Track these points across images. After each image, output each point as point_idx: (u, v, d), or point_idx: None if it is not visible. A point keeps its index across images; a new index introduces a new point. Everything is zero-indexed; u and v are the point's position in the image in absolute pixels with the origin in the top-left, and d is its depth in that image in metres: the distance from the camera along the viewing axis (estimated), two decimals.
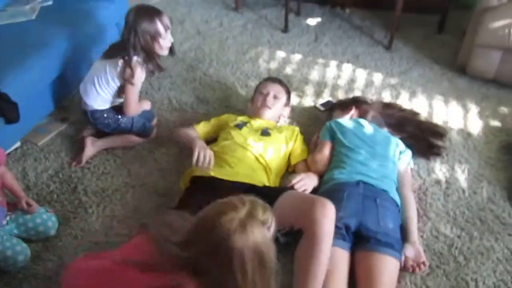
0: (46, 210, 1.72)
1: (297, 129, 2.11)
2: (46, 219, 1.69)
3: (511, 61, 2.43)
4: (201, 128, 2.10)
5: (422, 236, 1.71)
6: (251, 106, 2.19)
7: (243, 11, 3.43)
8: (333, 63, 2.79)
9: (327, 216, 1.40)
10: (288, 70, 2.73)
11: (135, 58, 1.97)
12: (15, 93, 1.89)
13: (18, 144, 2.15)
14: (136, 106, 2.13)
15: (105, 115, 2.07)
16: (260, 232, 1.01)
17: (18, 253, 1.56)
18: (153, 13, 1.99)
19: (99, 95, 2.04)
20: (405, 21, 3.13)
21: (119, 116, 2.09)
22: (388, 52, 2.91)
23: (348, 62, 2.81)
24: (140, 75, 2.00)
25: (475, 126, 2.28)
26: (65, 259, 1.65)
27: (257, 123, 2.05)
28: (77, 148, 2.12)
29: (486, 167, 2.04)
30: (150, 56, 2.02)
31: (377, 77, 2.66)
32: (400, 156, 1.90)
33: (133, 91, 2.05)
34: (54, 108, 2.32)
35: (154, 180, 1.98)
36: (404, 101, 2.45)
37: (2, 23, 2.31)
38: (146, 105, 2.27)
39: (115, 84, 2.04)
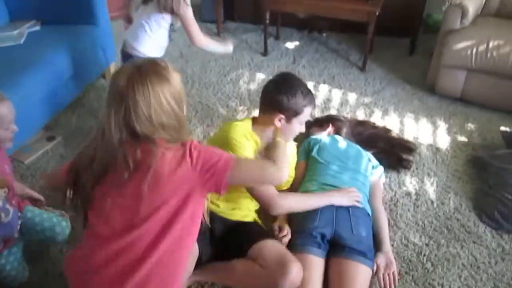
0: (57, 215, 1.66)
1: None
2: (54, 224, 1.62)
3: (475, 80, 2.59)
4: None
5: (392, 245, 1.80)
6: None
7: (224, 36, 3.58)
8: (310, 84, 2.93)
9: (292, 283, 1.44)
10: None
11: None
12: None
13: None
14: (203, 36, 2.21)
15: None
16: None
17: (19, 273, 1.60)
18: None
19: (151, 39, 2.13)
20: (379, 44, 3.32)
21: None
22: (362, 73, 3.06)
23: (324, 82, 2.95)
24: None
25: (444, 141, 2.42)
26: (49, 271, 1.70)
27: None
28: None
29: (453, 180, 2.16)
30: None
31: (352, 97, 2.80)
32: (373, 171, 2.01)
33: (188, 16, 2.10)
34: (41, 128, 2.39)
35: None
36: (377, 119, 2.58)
37: None
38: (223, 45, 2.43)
39: (165, 22, 2.13)
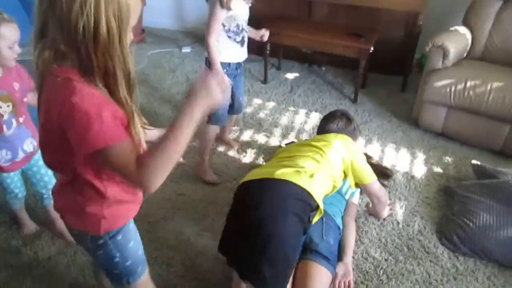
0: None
1: None
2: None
3: (455, 117, 2.74)
4: None
5: (354, 257, 1.94)
6: None
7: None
8: (302, 111, 3.13)
9: None
10: (262, 114, 3.08)
11: None
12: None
13: None
14: (213, 37, 2.11)
15: None
16: None
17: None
18: None
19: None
20: (374, 80, 3.53)
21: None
22: (354, 105, 3.26)
23: (316, 111, 3.15)
24: None
25: (420, 171, 2.56)
26: (39, 255, 1.89)
27: None
28: None
29: (422, 205, 2.29)
30: None
31: None
32: (352, 194, 2.16)
33: (212, 11, 2.07)
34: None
35: None
36: (360, 146, 2.75)
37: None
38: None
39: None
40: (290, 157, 1.88)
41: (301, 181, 1.67)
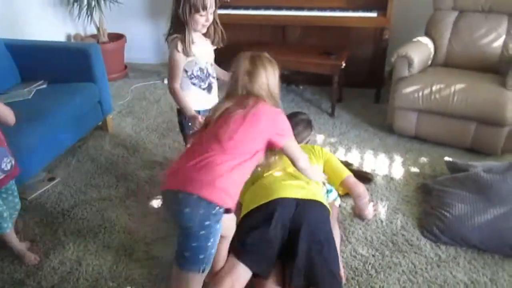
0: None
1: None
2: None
3: (425, 120, 2.94)
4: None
5: (342, 256, 2.06)
6: None
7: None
8: None
9: None
10: None
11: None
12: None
13: None
14: (175, 86, 2.08)
15: None
16: None
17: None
18: None
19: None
20: (349, 94, 3.73)
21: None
22: (331, 118, 3.43)
23: None
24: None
25: (398, 172, 2.72)
26: (42, 285, 1.97)
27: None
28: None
29: (403, 203, 2.44)
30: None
31: (320, 137, 3.15)
32: (328, 194, 2.30)
33: (171, 57, 2.06)
34: (42, 169, 2.73)
35: (124, 221, 2.35)
36: (341, 155, 2.91)
37: (5, 102, 2.77)
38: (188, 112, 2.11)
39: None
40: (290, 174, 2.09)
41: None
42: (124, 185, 2.66)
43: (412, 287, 1.89)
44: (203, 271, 1.53)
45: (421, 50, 3.10)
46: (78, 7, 4.16)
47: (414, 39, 3.22)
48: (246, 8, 3.76)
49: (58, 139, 2.74)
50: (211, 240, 1.50)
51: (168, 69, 2.09)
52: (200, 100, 2.18)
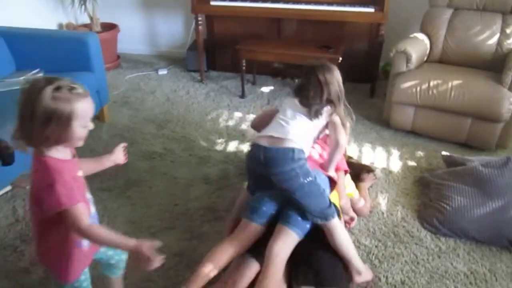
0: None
1: None
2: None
3: (422, 115, 2.99)
4: None
5: None
6: None
7: (207, 82, 4.01)
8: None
9: None
10: (244, 126, 3.23)
11: None
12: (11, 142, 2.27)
13: (8, 188, 2.50)
14: None
15: None
16: None
17: None
18: None
19: None
20: (344, 88, 3.74)
21: None
22: None
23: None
24: None
25: (396, 165, 2.77)
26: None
27: None
28: None
29: (402, 196, 2.49)
30: None
31: None
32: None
33: None
34: None
35: (127, 212, 2.34)
36: None
37: (0, 90, 2.74)
38: None
39: None
40: None
41: None
42: (124, 175, 2.64)
43: (415, 277, 1.94)
44: None
45: (418, 46, 3.15)
46: None
47: (411, 35, 3.27)
48: (243, 0, 3.76)
49: None
50: None
51: None
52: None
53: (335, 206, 1.86)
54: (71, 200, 1.22)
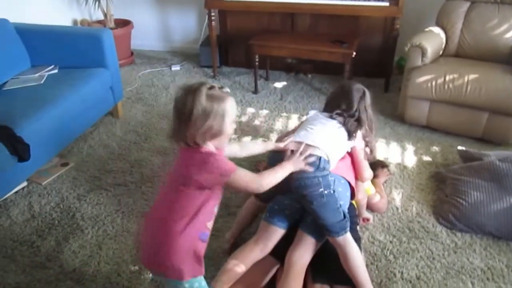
0: None
1: None
2: None
3: (437, 110, 2.95)
4: None
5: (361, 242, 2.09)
6: None
7: (220, 78, 4.01)
8: (294, 116, 3.31)
9: None
10: (257, 122, 3.23)
11: None
12: (27, 138, 2.30)
13: (24, 183, 2.54)
14: None
15: None
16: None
17: None
18: None
19: None
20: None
21: None
22: None
23: (307, 114, 3.30)
24: None
25: (411, 161, 2.74)
26: (64, 267, 1.98)
27: None
28: None
29: (417, 191, 2.47)
30: None
31: None
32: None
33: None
34: (56, 155, 2.72)
35: (142, 207, 2.36)
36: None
37: (16, 86, 2.78)
38: None
39: None
40: None
41: None
42: (139, 171, 2.67)
43: (430, 273, 1.93)
44: None
45: (433, 40, 3.11)
46: None
47: (426, 29, 3.23)
48: None
49: (71, 125, 2.74)
50: None
51: None
52: None
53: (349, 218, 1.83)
54: (233, 166, 1.37)
